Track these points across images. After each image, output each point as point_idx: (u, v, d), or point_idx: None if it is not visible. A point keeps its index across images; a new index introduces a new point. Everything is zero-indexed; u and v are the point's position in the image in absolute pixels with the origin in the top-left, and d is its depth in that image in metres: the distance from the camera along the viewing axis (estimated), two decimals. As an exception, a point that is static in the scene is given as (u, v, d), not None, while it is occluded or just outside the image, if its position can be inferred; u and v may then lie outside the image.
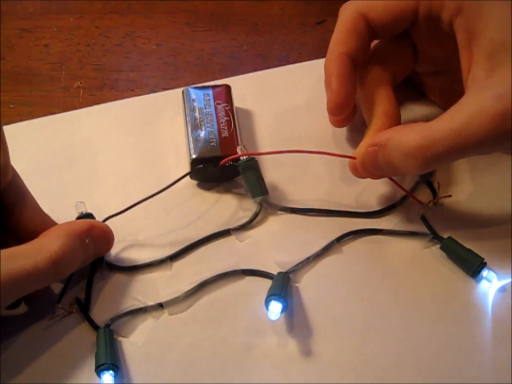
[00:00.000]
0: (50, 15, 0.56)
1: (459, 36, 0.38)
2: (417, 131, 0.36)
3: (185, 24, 0.56)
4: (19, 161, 0.39)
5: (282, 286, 0.39)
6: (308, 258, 0.41)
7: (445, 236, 0.42)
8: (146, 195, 0.42)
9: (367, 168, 0.40)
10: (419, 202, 0.42)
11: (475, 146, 0.35)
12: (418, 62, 0.44)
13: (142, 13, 0.57)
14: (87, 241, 0.38)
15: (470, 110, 0.35)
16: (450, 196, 0.43)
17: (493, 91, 0.35)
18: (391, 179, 0.42)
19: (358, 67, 0.43)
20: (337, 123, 0.45)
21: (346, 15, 0.42)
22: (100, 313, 0.40)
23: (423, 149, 0.35)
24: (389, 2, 0.41)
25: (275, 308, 0.37)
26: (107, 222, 0.41)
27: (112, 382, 0.37)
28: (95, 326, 0.39)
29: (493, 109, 0.34)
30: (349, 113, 0.43)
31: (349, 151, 0.44)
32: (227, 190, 0.45)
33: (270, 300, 0.38)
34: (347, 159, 0.42)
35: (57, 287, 0.41)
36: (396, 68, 0.44)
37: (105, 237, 0.40)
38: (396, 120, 0.41)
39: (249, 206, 0.44)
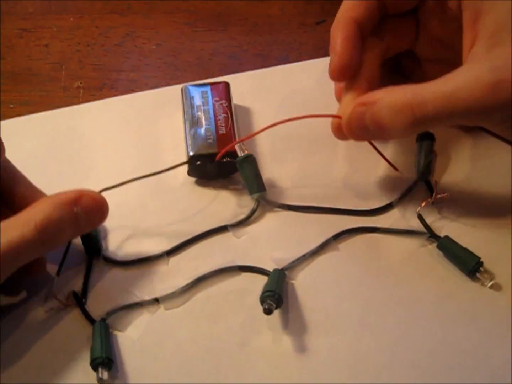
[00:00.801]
0: (50, 15, 0.56)
1: (465, 15, 0.38)
2: (409, 89, 0.36)
3: (185, 24, 0.56)
4: (17, 156, 0.39)
5: (278, 282, 0.38)
6: (304, 255, 0.41)
7: (442, 235, 0.41)
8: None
9: (352, 129, 0.39)
10: (394, 168, 0.43)
11: (463, 112, 0.35)
12: (420, 42, 0.43)
13: (142, 13, 0.56)
14: (75, 209, 0.36)
15: (463, 77, 0.35)
16: (447, 195, 0.43)
17: (489, 63, 0.35)
18: (371, 144, 0.42)
19: (364, 37, 0.42)
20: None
21: None
22: (96, 306, 0.40)
23: (413, 107, 0.35)
24: None
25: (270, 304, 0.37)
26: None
27: (107, 376, 0.36)
28: (91, 320, 0.39)
29: (486, 79, 0.34)
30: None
31: (347, 147, 0.44)
32: (225, 187, 0.45)
33: (265, 297, 0.37)
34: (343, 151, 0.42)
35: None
36: (394, 39, 0.43)
37: (96, 206, 0.38)
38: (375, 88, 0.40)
39: (247, 203, 0.43)
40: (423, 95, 0.35)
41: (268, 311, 0.36)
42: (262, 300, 0.37)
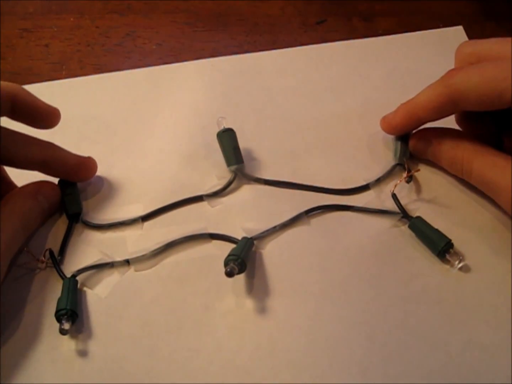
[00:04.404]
0: (50, 15, 0.55)
1: None
2: (466, 151, 0.39)
3: (185, 24, 0.54)
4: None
5: (243, 249, 0.37)
6: (274, 227, 0.40)
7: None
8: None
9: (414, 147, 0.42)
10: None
11: None
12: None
13: (142, 13, 0.55)
14: (39, 198, 0.40)
15: None
16: (418, 170, 0.41)
17: None
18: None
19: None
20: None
21: (438, 91, 0.38)
22: (71, 266, 0.39)
23: (463, 171, 0.39)
24: (483, 95, 0.35)
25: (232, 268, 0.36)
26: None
27: (68, 327, 0.36)
28: (63, 277, 0.38)
29: None
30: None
31: (329, 129, 0.44)
32: (205, 157, 0.44)
33: (229, 260, 0.36)
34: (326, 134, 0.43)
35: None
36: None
37: (53, 191, 0.41)
38: None
39: (224, 174, 0.42)
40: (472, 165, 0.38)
41: (229, 274, 0.35)
42: (226, 263, 0.36)
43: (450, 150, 0.39)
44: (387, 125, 0.42)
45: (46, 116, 0.39)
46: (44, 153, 0.39)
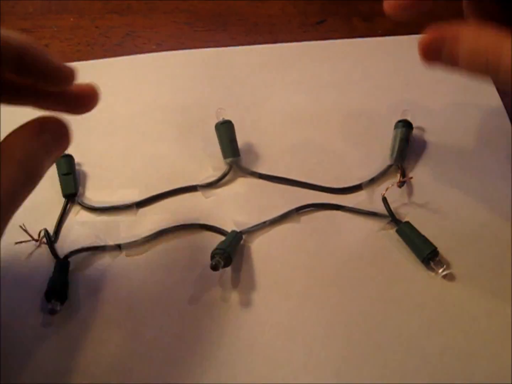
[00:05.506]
0: (50, 15, 0.54)
1: None
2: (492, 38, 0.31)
3: (185, 24, 0.54)
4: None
5: (231, 243, 0.38)
6: (264, 222, 0.40)
7: (405, 221, 0.39)
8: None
9: (424, 55, 0.34)
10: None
11: None
12: None
13: (142, 13, 0.54)
14: (44, 137, 0.31)
15: None
16: (411, 177, 0.41)
17: None
18: None
19: None
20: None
21: None
22: (65, 247, 0.40)
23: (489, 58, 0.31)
24: None
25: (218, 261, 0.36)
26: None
27: (58, 307, 0.37)
28: (57, 257, 0.39)
29: None
30: None
31: (328, 126, 0.44)
32: (203, 148, 0.44)
33: (215, 253, 0.37)
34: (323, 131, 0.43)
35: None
36: None
37: (60, 127, 0.31)
38: None
39: (220, 166, 0.43)
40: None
41: (214, 267, 0.36)
42: (212, 256, 0.37)
43: (470, 42, 0.32)
44: (387, 5, 0.34)
45: (61, 79, 0.30)
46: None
